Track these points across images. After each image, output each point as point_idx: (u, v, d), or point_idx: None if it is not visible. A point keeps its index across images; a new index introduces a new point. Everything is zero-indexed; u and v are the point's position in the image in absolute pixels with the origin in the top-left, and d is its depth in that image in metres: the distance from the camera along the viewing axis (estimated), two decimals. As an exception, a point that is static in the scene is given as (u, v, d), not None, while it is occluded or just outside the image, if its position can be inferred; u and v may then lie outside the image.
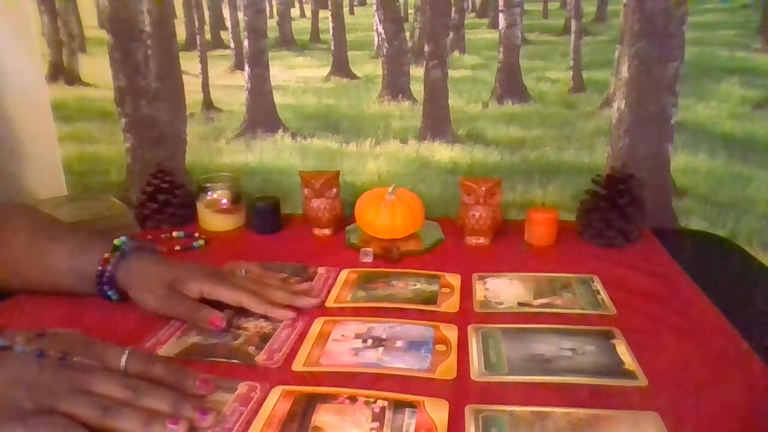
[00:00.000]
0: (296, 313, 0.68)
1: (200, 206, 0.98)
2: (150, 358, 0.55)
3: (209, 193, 0.97)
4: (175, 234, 0.95)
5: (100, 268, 0.67)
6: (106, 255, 0.67)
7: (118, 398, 0.48)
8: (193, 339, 0.63)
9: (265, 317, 0.67)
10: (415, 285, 0.76)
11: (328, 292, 0.75)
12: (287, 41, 1.04)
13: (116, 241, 0.68)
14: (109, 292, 0.68)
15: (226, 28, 1.04)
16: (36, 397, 0.47)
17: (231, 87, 1.06)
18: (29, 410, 0.46)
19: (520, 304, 0.71)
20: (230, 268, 0.75)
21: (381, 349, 0.61)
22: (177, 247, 0.89)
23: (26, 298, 0.71)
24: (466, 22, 0.99)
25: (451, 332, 0.64)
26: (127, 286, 0.67)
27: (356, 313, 0.70)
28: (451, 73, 1.01)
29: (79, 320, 0.66)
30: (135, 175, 1.10)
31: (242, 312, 0.68)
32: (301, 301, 0.70)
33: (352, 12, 1.02)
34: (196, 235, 0.94)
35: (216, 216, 0.97)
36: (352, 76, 1.04)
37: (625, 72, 0.95)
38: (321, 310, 0.71)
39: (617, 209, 0.87)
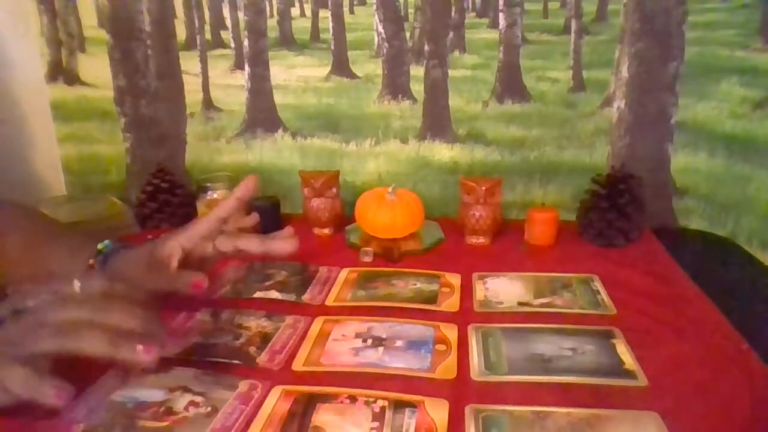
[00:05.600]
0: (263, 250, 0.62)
1: (200, 206, 0.97)
2: (107, 277, 0.51)
3: (209, 192, 0.97)
4: (175, 234, 0.95)
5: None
6: (92, 261, 0.67)
7: (84, 319, 0.46)
8: (195, 339, 0.63)
9: (268, 317, 0.67)
10: (415, 284, 0.76)
11: (329, 291, 0.75)
12: (287, 41, 1.04)
13: (99, 245, 0.68)
14: None
15: (226, 28, 1.04)
16: (9, 357, 0.45)
17: (231, 87, 1.06)
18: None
19: (520, 303, 0.71)
20: None
21: (381, 348, 0.61)
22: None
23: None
24: (466, 21, 0.99)
25: (451, 332, 0.64)
26: None
27: (356, 312, 0.69)
28: (451, 72, 1.01)
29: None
30: (135, 175, 1.10)
31: (243, 310, 0.68)
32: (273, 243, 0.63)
33: (352, 12, 1.02)
34: (196, 234, 0.94)
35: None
36: (353, 76, 1.04)
37: (625, 72, 0.95)
38: (321, 309, 0.71)
39: (617, 209, 0.87)
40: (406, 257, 0.85)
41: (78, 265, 0.67)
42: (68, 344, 0.45)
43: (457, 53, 1.01)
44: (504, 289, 0.75)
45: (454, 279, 0.78)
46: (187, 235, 0.63)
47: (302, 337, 0.64)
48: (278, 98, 1.06)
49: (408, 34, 1.01)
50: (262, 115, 1.07)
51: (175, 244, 0.62)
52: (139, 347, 0.45)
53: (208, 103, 1.07)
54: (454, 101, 1.02)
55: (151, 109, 1.08)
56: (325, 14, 1.03)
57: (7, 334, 0.47)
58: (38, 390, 0.44)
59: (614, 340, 0.63)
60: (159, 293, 0.64)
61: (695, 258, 0.85)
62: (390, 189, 0.89)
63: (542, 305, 0.71)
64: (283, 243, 0.63)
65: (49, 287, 0.50)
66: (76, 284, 0.49)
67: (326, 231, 0.94)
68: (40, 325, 0.46)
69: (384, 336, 0.63)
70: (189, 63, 1.06)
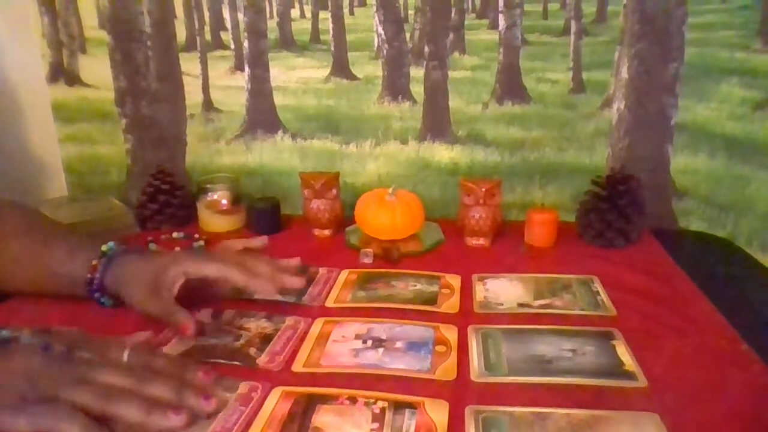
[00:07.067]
0: (276, 290, 0.66)
1: (200, 207, 0.98)
2: (152, 351, 0.56)
3: (209, 194, 0.97)
4: (175, 235, 0.95)
5: (89, 275, 0.67)
6: (94, 262, 0.67)
7: (121, 386, 0.49)
8: (194, 340, 0.63)
9: (268, 318, 0.67)
10: (415, 286, 0.76)
11: (328, 292, 0.75)
12: (287, 42, 1.04)
13: (103, 247, 0.68)
14: (102, 299, 0.68)
15: (226, 29, 1.05)
16: (40, 388, 0.47)
17: (231, 88, 1.07)
18: (31, 400, 0.47)
19: (520, 305, 0.71)
20: (221, 248, 0.74)
21: (381, 349, 0.61)
22: (177, 248, 0.89)
23: (26, 300, 0.71)
24: (466, 23, 0.99)
25: (451, 333, 0.64)
26: (117, 290, 0.66)
27: (356, 313, 0.69)
28: (451, 74, 1.01)
29: (80, 322, 0.65)
30: (135, 176, 1.10)
31: (243, 311, 0.68)
32: (285, 278, 0.66)
33: (352, 13, 1.02)
34: (196, 236, 0.94)
35: (216, 217, 0.97)
36: (352, 77, 1.04)
37: (625, 73, 0.95)
38: (321, 310, 0.71)
39: (617, 210, 0.87)
40: (406, 258, 0.85)
41: (80, 266, 0.67)
42: (109, 408, 0.48)
43: (457, 54, 1.01)
44: (504, 291, 0.75)
45: (454, 280, 0.78)
46: (195, 269, 0.64)
47: (302, 339, 0.64)
48: (278, 100, 1.06)
49: (408, 36, 1.01)
50: (262, 117, 1.07)
51: (180, 272, 0.64)
52: (170, 414, 0.48)
53: (208, 105, 1.07)
54: (454, 102, 1.02)
55: (152, 110, 1.08)
56: (325, 15, 1.03)
57: (49, 373, 0.49)
58: None
59: (614, 341, 0.63)
60: (152, 316, 0.64)
61: (695, 259, 0.85)
62: (390, 190, 0.89)
63: (542, 306, 0.71)
64: (294, 279, 0.67)
65: (100, 345, 0.54)
66: (125, 354, 0.53)
67: (326, 232, 0.94)
68: (84, 381, 0.49)
69: (384, 337, 0.63)
70: (189, 64, 1.06)
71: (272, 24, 1.03)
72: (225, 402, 0.52)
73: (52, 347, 0.51)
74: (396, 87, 1.03)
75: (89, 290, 0.67)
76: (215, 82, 1.07)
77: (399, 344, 0.62)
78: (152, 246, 0.90)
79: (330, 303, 0.72)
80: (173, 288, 0.64)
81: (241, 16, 1.03)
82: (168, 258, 0.66)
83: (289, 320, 0.67)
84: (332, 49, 1.04)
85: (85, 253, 0.68)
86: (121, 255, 0.68)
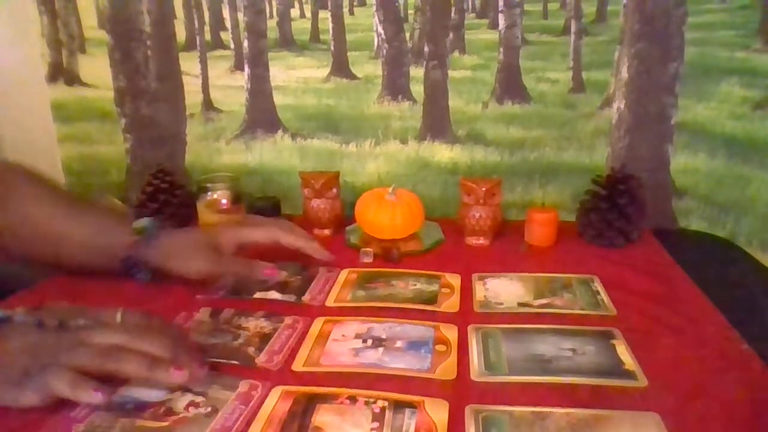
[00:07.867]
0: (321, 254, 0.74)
1: (200, 206, 0.97)
2: (144, 313, 0.57)
3: (209, 193, 0.97)
4: (175, 234, 0.95)
5: (127, 252, 0.68)
6: (132, 239, 0.69)
7: (117, 343, 0.50)
8: (193, 339, 0.63)
9: (267, 317, 0.67)
10: (415, 285, 0.76)
11: (328, 292, 0.75)
12: (287, 42, 1.04)
13: (138, 225, 0.70)
14: (139, 275, 0.70)
15: (226, 29, 1.05)
16: (39, 359, 0.49)
17: (231, 87, 1.07)
18: (34, 373, 0.48)
19: (520, 304, 0.71)
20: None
21: (381, 349, 0.61)
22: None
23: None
24: (466, 22, 0.99)
25: (451, 332, 0.64)
26: (165, 261, 0.68)
27: (356, 313, 0.69)
28: (451, 73, 1.01)
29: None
30: (135, 176, 1.10)
31: (242, 311, 0.68)
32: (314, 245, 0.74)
33: (351, 12, 1.02)
34: (196, 235, 0.94)
35: (216, 216, 0.97)
36: (352, 77, 1.04)
37: (625, 72, 0.95)
38: (321, 309, 0.71)
39: (617, 210, 0.87)
40: (406, 258, 0.85)
41: (115, 242, 0.69)
42: (109, 364, 0.49)
43: (456, 54, 1.01)
44: (504, 290, 0.75)
45: (454, 279, 0.78)
46: (245, 235, 0.70)
47: (302, 338, 0.64)
48: (278, 99, 1.06)
49: (408, 35, 1.01)
50: (262, 116, 1.07)
51: (232, 239, 0.69)
52: (173, 370, 0.50)
53: (207, 104, 1.07)
54: (454, 102, 1.02)
55: (151, 109, 1.08)
56: (324, 15, 1.03)
57: (47, 344, 0.51)
58: (84, 391, 0.48)
59: (614, 341, 0.63)
60: (201, 274, 0.67)
61: (695, 258, 0.85)
62: (390, 190, 0.89)
63: (542, 306, 0.71)
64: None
65: (92, 313, 0.56)
66: (117, 315, 0.56)
67: (326, 232, 0.94)
68: (81, 344, 0.50)
69: (384, 336, 0.63)
70: (189, 64, 1.06)
71: (272, 23, 1.03)
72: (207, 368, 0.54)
73: (45, 323, 0.52)
74: (396, 86, 1.03)
75: (126, 266, 0.69)
76: (215, 82, 1.07)
77: (399, 343, 0.62)
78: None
79: (330, 302, 0.72)
80: (226, 250, 0.69)
81: (240, 15, 1.03)
82: (216, 232, 0.71)
83: (288, 319, 0.67)
84: (332, 48, 1.04)
85: (118, 231, 0.70)
86: (161, 230, 0.70)
